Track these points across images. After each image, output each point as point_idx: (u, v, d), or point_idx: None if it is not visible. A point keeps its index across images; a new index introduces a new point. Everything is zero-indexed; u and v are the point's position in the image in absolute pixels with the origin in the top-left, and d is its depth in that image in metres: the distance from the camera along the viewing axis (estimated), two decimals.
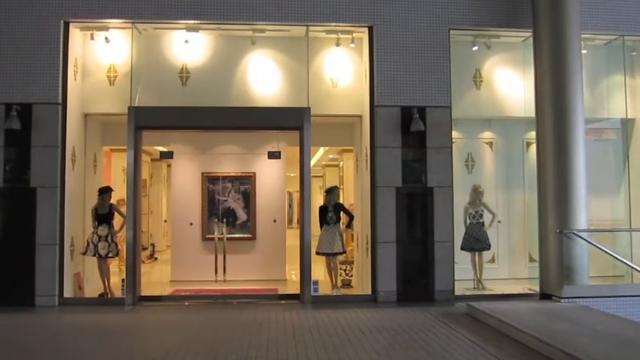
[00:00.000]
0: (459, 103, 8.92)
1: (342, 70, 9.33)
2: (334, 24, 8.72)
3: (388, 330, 6.57)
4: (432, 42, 8.60)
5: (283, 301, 8.62)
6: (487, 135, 10.18)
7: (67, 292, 8.40)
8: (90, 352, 5.80)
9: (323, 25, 8.77)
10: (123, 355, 5.73)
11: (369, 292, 8.59)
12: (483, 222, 9.37)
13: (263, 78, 9.20)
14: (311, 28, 8.81)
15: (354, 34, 9.04)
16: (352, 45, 9.16)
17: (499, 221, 9.75)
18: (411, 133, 8.36)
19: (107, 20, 8.59)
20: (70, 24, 8.48)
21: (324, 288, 9.05)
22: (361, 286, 9.47)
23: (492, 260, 9.88)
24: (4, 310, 7.75)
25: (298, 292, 8.65)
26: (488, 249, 9.41)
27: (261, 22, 8.65)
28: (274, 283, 10.03)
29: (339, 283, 9.55)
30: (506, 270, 9.97)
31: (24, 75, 8.19)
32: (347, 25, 8.75)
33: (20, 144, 8.13)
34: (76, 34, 8.71)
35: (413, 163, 8.49)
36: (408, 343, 6.00)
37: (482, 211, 9.39)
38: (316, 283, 8.65)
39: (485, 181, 9.83)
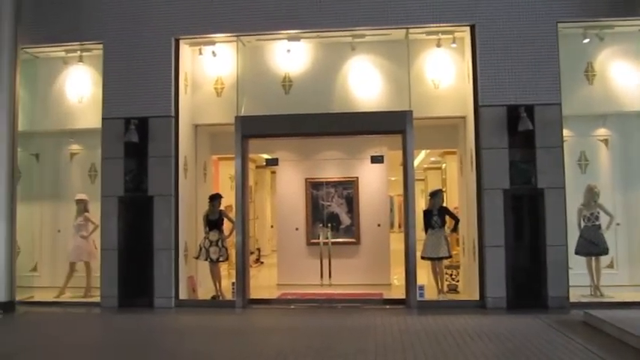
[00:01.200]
0: (569, 99, 8.46)
1: (443, 71, 9.17)
2: (435, 25, 8.59)
3: (498, 336, 6.35)
4: (539, 37, 8.23)
5: (388, 306, 8.57)
6: (602, 132, 9.54)
7: (182, 295, 8.87)
8: (206, 353, 6.08)
9: (423, 27, 8.68)
10: (236, 356, 5.96)
11: (477, 298, 8.35)
12: (599, 224, 8.77)
13: (364, 83, 9.23)
14: (411, 30, 8.74)
15: (456, 34, 8.85)
16: (454, 45, 8.97)
17: (618, 224, 9.10)
18: (518, 132, 8.04)
19: (214, 35, 9.01)
20: (180, 41, 8.97)
21: (430, 293, 8.90)
22: (468, 291, 9.23)
23: (611, 265, 9.24)
24: (126, 311, 8.34)
25: (403, 296, 8.57)
26: (606, 253, 8.79)
27: (361, 28, 8.70)
28: (379, 288, 9.99)
29: (445, 288, 9.35)
30: (627, 276, 9.28)
31: (140, 91, 8.78)
32: (448, 25, 8.59)
33: (138, 155, 8.71)
34: (185, 50, 9.21)
35: (521, 163, 8.15)
36: (520, 350, 5.77)
37: (598, 213, 8.80)
38: (422, 287, 8.52)
39: (600, 181, 9.22)
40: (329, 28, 8.73)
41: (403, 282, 8.75)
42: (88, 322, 8.10)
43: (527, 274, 8.05)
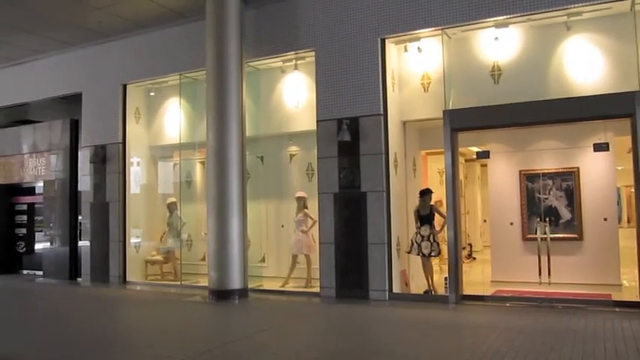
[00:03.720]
0: None
1: None
2: None
3: None
4: None
5: (618, 309, 7.75)
6: None
7: (395, 288, 9.06)
8: (419, 345, 6.14)
9: None
10: (451, 351, 5.92)
11: None
12: None
13: (582, 64, 8.48)
14: (637, 0, 7.78)
15: None
16: None
17: None
18: None
19: (418, 31, 9.03)
20: (386, 40, 9.16)
21: None
22: None
23: None
24: (343, 302, 8.79)
25: (637, 299, 7.68)
26: None
27: (577, 5, 7.99)
28: (606, 288, 9.08)
29: None
30: None
31: (350, 92, 9.18)
32: None
33: (351, 154, 9.11)
34: (391, 49, 9.38)
35: None
36: None
37: None
38: None
39: None
40: (540, 9, 8.16)
41: (637, 282, 7.84)
42: (309, 310, 8.70)
43: None
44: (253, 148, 10.84)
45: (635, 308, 7.62)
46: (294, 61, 10.35)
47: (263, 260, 11.32)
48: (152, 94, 12.35)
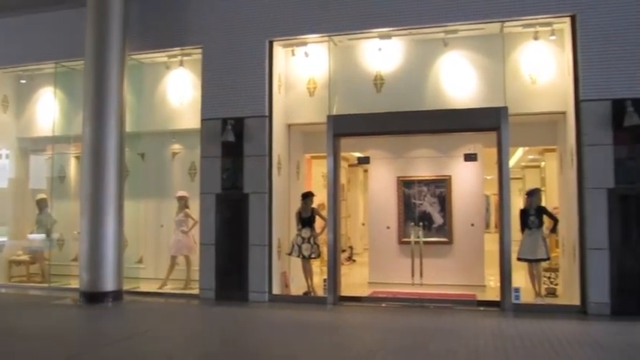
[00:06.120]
0: None
1: (541, 65, 8.78)
2: (532, 17, 8.25)
3: (602, 346, 6.01)
4: None
5: (482, 308, 8.34)
6: None
7: (275, 290, 9.10)
8: (297, 346, 6.21)
9: (520, 19, 8.34)
10: (327, 351, 6.05)
11: (577, 303, 7.93)
12: None
13: (457, 79, 9.05)
14: (506, 23, 8.44)
15: (555, 26, 8.45)
16: (552, 37, 8.58)
17: None
18: (624, 128, 7.54)
19: (306, 36, 9.16)
20: (274, 42, 9.20)
21: (527, 296, 8.56)
22: (568, 295, 8.79)
23: None
24: (222, 304, 8.70)
25: (498, 299, 8.32)
26: None
27: (454, 23, 8.51)
28: (472, 289, 9.74)
29: (543, 292, 8.97)
30: None
31: (236, 92, 9.11)
32: (546, 16, 8.21)
33: (234, 154, 9.04)
34: (279, 52, 9.44)
35: (627, 161, 7.63)
36: None
37: None
38: (517, 290, 8.19)
39: None
40: (421, 25, 8.62)
41: (498, 284, 8.49)
42: (187, 312, 8.52)
43: (633, 278, 7.52)
44: (134, 145, 10.39)
45: (495, 307, 8.23)
46: (180, 57, 10.09)
47: (140, 261, 10.91)
48: (23, 81, 11.49)
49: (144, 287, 10.02)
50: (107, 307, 8.63)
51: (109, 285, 8.83)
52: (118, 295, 8.95)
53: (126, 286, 9.33)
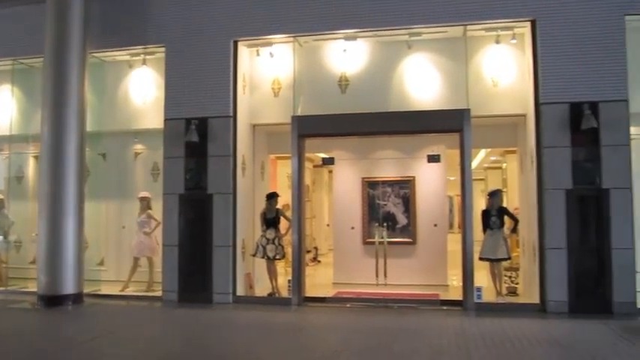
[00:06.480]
0: (638, 96, 8.08)
1: (502, 68, 8.95)
2: (494, 21, 8.41)
3: (561, 343, 6.16)
4: (605, 31, 7.88)
5: (445, 307, 8.46)
6: None
7: (240, 291, 9.05)
8: (261, 347, 6.17)
9: (482, 23, 8.49)
10: (292, 352, 6.03)
11: (537, 302, 8.12)
12: None
13: (421, 81, 9.14)
14: (469, 27, 8.58)
15: (515, 30, 8.63)
16: (513, 41, 8.75)
17: None
18: (582, 131, 7.75)
19: (271, 36, 9.14)
20: (239, 42, 9.15)
21: (488, 295, 8.71)
22: (528, 294, 8.98)
23: None
24: (186, 305, 8.59)
25: (460, 298, 8.44)
26: None
27: (418, 26, 8.61)
28: (435, 289, 9.86)
29: (504, 291, 9.14)
30: None
31: (200, 92, 9.02)
32: (507, 20, 8.39)
33: (198, 155, 8.94)
34: (243, 52, 9.38)
35: (585, 163, 7.84)
36: (584, 358, 5.56)
37: None
38: (479, 289, 8.34)
39: None
40: (385, 27, 8.70)
41: (461, 283, 8.62)
42: (150, 315, 8.40)
43: (591, 277, 7.74)
44: (95, 145, 10.20)
45: (458, 306, 8.34)
46: (142, 55, 9.94)
47: (102, 263, 10.69)
48: None
49: (105, 290, 9.82)
50: (67, 310, 8.44)
51: (68, 288, 8.64)
52: (78, 298, 8.75)
53: (87, 289, 9.14)
